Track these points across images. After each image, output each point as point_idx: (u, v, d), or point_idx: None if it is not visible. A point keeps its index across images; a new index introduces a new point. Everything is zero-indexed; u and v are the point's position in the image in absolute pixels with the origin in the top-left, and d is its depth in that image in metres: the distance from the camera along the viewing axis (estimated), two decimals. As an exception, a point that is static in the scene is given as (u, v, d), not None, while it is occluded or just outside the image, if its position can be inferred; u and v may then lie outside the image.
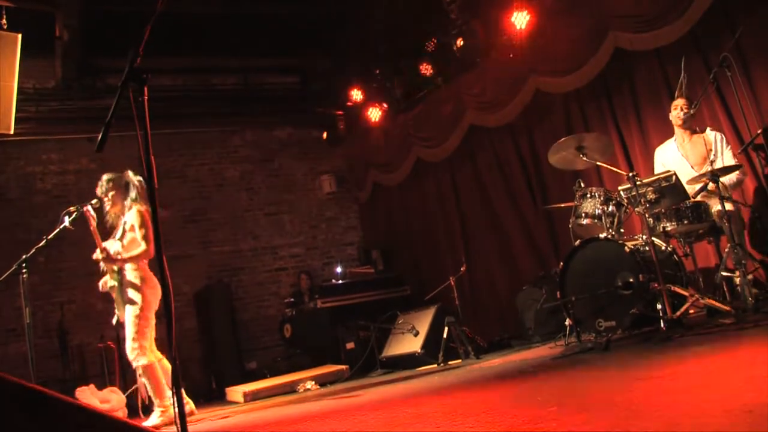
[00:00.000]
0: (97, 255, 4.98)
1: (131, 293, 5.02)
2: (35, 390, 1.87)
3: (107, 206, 5.21)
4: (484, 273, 8.30)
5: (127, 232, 5.11)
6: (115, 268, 5.06)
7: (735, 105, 5.38)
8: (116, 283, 5.05)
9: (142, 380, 5.02)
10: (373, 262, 9.85)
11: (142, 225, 5.03)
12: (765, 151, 5.12)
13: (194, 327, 8.99)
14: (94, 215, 5.06)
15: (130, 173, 5.28)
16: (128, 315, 4.99)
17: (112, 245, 5.13)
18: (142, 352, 4.94)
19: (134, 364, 4.97)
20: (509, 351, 6.55)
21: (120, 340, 5.36)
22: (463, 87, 8.09)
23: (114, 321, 5.20)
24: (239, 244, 9.78)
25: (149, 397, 5.11)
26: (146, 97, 2.54)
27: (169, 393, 4.96)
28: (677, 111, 5.34)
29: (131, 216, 5.10)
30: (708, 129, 5.38)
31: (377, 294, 8.80)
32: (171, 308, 2.43)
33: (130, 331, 4.96)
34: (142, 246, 5.01)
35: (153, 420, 4.92)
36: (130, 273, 5.06)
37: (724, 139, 5.29)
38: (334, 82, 9.52)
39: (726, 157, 5.17)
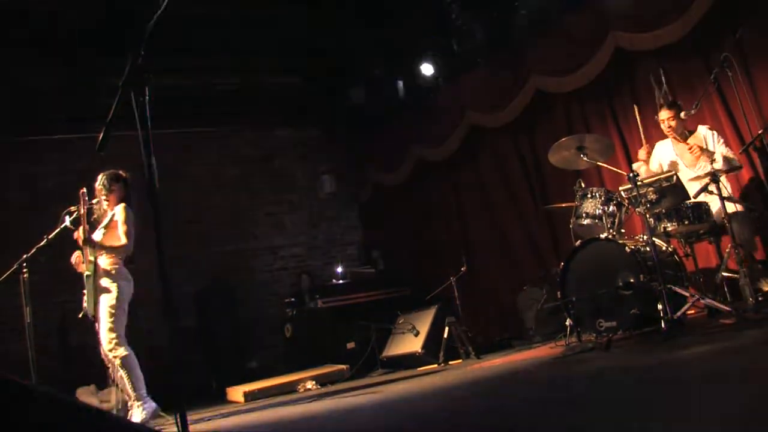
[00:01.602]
0: (79, 233, 4.96)
1: (105, 282, 4.97)
2: (36, 390, 1.87)
3: (104, 203, 5.20)
4: (485, 273, 8.29)
5: (109, 226, 5.11)
6: (91, 258, 5.02)
7: (736, 105, 5.37)
8: (90, 273, 5.01)
9: (121, 373, 4.93)
10: (373, 262, 9.84)
11: (126, 221, 5.05)
12: (766, 151, 5.12)
13: (195, 327, 8.98)
14: (86, 203, 5.05)
15: (121, 172, 5.29)
16: (103, 305, 4.93)
17: (94, 235, 5.14)
18: (120, 343, 4.89)
19: (112, 355, 4.86)
20: (510, 351, 6.55)
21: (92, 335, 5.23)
22: (464, 87, 8.09)
23: (80, 315, 5.08)
24: (240, 244, 9.77)
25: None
26: (147, 97, 2.54)
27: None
28: (664, 125, 5.38)
29: (117, 211, 5.11)
30: (699, 127, 5.37)
31: (378, 294, 8.80)
32: (171, 308, 2.43)
33: (105, 322, 4.89)
34: (123, 240, 5.01)
35: (137, 417, 4.85)
36: (105, 263, 5.02)
37: (716, 134, 5.28)
38: (334, 82, 9.51)
39: (719, 151, 5.14)
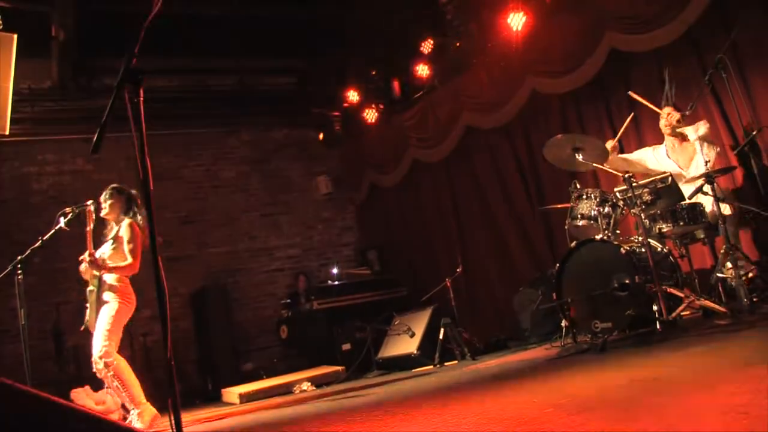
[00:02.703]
0: (85, 257, 4.94)
1: (108, 296, 4.94)
2: (30, 392, 1.87)
3: (103, 212, 5.17)
4: (481, 274, 8.30)
5: (114, 242, 5.08)
6: (96, 272, 5.00)
7: (731, 106, 5.38)
8: (95, 288, 4.99)
9: (116, 383, 4.85)
10: (369, 263, 9.84)
11: (131, 240, 5.00)
12: (760, 152, 5.13)
13: (190, 328, 8.97)
14: (93, 217, 5.03)
15: (133, 190, 5.26)
16: (102, 317, 4.88)
17: (102, 250, 5.11)
18: (111, 352, 4.81)
19: (102, 363, 4.77)
20: (505, 352, 6.55)
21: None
22: (460, 88, 8.09)
23: (82, 328, 5.04)
24: (236, 245, 9.76)
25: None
26: (142, 98, 2.53)
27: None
28: (664, 120, 5.37)
29: (122, 228, 5.07)
30: (688, 130, 5.36)
31: (373, 295, 8.79)
32: (166, 309, 2.43)
33: (101, 330, 4.83)
34: (129, 260, 4.96)
35: (135, 424, 4.79)
36: (111, 279, 5.00)
37: (700, 129, 5.27)
38: (330, 83, 9.52)
39: (700, 132, 5.13)
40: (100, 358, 4.80)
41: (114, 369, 4.79)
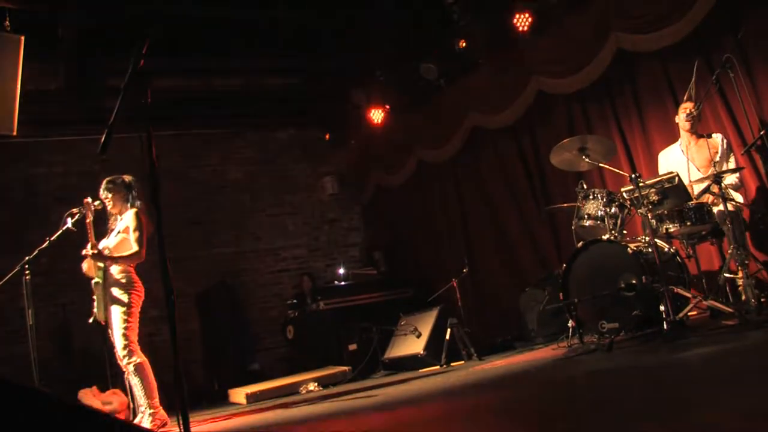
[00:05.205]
0: (87, 250, 4.94)
1: (117, 292, 4.94)
2: (37, 392, 1.87)
3: (109, 206, 5.19)
4: (487, 274, 8.29)
5: (120, 233, 5.09)
6: (101, 265, 5.00)
7: (738, 106, 5.36)
8: (100, 280, 4.99)
9: (134, 381, 4.91)
10: (375, 264, 9.84)
11: (137, 228, 4.99)
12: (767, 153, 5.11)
13: (197, 328, 8.99)
14: (93, 210, 5.04)
15: (125, 177, 5.26)
16: (115, 314, 4.91)
17: (105, 242, 5.12)
18: (134, 350, 4.87)
19: (125, 361, 4.84)
20: (512, 352, 6.55)
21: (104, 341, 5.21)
22: (465, 88, 8.08)
23: (90, 320, 5.04)
24: (242, 245, 9.78)
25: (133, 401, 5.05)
26: (149, 100, 2.54)
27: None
28: (685, 114, 5.29)
29: (128, 217, 5.08)
30: (714, 134, 5.36)
31: (380, 295, 8.80)
32: (173, 310, 2.44)
33: (118, 329, 4.87)
34: (135, 248, 4.95)
35: (146, 424, 4.82)
36: (117, 272, 5.00)
37: (730, 144, 5.29)
38: (336, 84, 9.52)
39: (730, 163, 5.16)
40: (123, 357, 4.87)
41: (134, 367, 4.85)
